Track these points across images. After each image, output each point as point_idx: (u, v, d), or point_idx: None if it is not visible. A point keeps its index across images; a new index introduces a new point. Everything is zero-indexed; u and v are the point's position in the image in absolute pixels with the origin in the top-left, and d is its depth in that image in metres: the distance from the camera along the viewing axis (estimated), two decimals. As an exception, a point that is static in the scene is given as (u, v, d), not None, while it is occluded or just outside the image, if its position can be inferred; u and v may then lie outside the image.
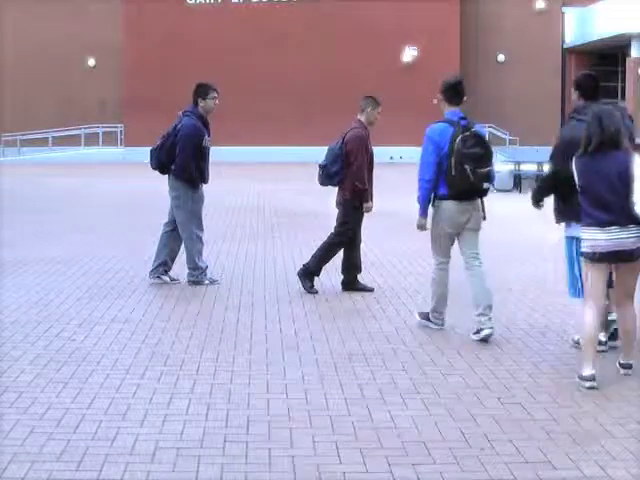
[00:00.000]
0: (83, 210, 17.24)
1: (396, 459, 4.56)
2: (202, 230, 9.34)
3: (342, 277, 9.05)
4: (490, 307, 7.03)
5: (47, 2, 37.92)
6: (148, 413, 5.26)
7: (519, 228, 12.56)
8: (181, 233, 9.25)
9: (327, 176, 8.84)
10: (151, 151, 9.34)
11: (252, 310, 8.10)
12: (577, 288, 6.56)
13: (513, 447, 4.73)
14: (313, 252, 9.12)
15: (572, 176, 6.05)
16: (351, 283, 8.98)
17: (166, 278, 9.29)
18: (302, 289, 8.90)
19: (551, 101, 37.30)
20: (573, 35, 36.89)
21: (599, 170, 5.85)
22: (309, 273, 8.96)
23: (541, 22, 37.93)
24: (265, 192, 20.56)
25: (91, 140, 37.51)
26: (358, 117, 8.88)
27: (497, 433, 4.94)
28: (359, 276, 9.08)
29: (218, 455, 4.62)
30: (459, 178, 6.98)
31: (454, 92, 7.25)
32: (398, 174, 22.82)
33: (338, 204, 8.95)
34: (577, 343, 6.62)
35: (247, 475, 4.38)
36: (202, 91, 9.22)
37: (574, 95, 6.86)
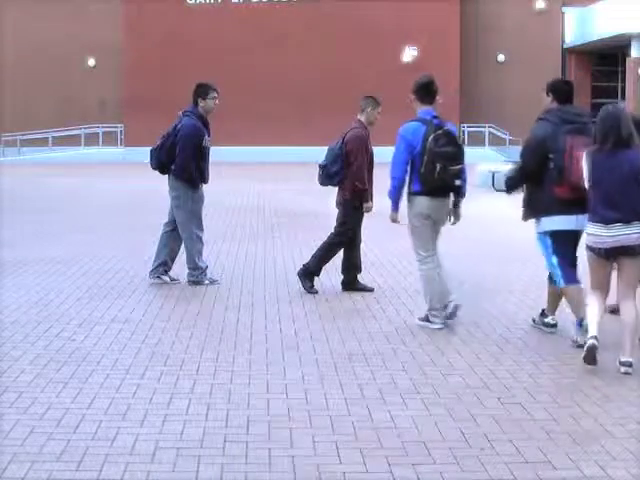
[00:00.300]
0: (83, 210, 17.25)
1: (396, 459, 4.56)
2: (202, 230, 9.34)
3: (342, 277, 9.05)
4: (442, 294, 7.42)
5: (47, 2, 37.94)
6: (148, 413, 5.26)
7: (519, 228, 12.51)
8: (181, 233, 9.25)
9: (327, 176, 8.85)
10: (151, 151, 9.33)
11: (252, 310, 8.10)
12: (558, 277, 6.95)
13: (513, 447, 4.73)
14: (313, 252, 9.12)
15: (539, 173, 6.74)
16: (351, 283, 8.98)
17: (166, 278, 9.29)
18: (302, 289, 8.90)
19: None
20: (573, 35, 36.92)
21: (613, 167, 6.06)
22: (309, 273, 8.96)
23: (541, 22, 37.95)
24: (265, 192, 20.56)
25: (91, 140, 37.54)
26: (358, 117, 8.88)
27: (497, 433, 4.93)
28: (359, 276, 9.08)
29: (218, 455, 4.62)
30: (431, 175, 7.24)
31: (426, 92, 7.57)
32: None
33: (338, 204, 8.96)
34: (575, 342, 6.73)
35: (247, 475, 4.38)
36: (202, 91, 9.22)
37: (547, 99, 7.14)
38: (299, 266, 9.24)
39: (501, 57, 38.76)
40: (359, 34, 36.63)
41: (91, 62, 38.74)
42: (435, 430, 4.98)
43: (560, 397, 5.58)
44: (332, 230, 9.04)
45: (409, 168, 7.41)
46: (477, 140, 35.96)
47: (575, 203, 6.69)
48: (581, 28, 35.93)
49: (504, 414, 5.26)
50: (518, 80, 37.42)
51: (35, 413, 5.24)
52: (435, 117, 7.45)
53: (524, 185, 7.14)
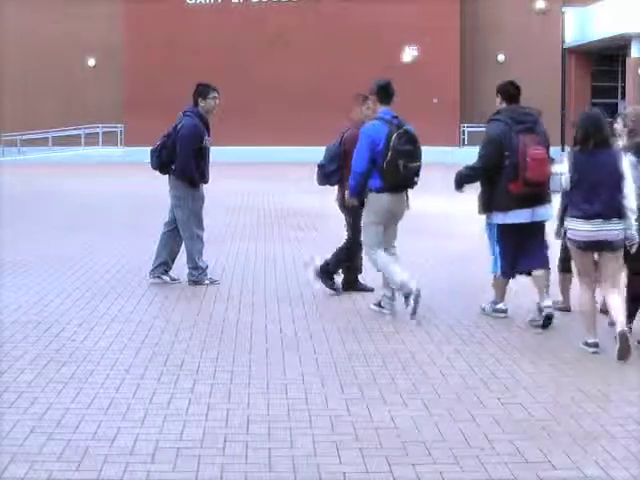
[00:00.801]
0: (83, 210, 17.24)
1: (396, 459, 4.56)
2: (202, 230, 9.34)
3: (343, 277, 9.04)
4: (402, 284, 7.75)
5: (47, 2, 37.94)
6: (148, 413, 5.26)
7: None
8: (181, 233, 9.25)
9: (324, 175, 8.84)
10: (151, 151, 9.33)
11: (252, 310, 8.11)
12: (496, 265, 7.71)
13: (513, 447, 4.73)
14: (333, 252, 8.91)
15: (496, 171, 7.37)
16: (352, 283, 8.98)
17: (166, 278, 9.29)
18: (303, 288, 8.90)
19: (551, 101, 37.29)
20: (573, 35, 36.90)
21: (594, 166, 6.50)
22: (328, 272, 8.88)
23: (541, 22, 37.93)
24: (265, 192, 20.55)
25: (91, 140, 37.53)
26: (351, 115, 8.87)
27: (497, 433, 4.94)
28: (360, 276, 9.08)
29: (218, 455, 4.62)
30: (394, 172, 7.67)
31: (385, 93, 7.92)
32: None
33: (341, 206, 8.88)
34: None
35: (247, 475, 4.38)
36: (202, 91, 9.23)
37: (497, 100, 7.73)
38: (299, 266, 9.24)
39: (501, 57, 38.73)
40: (359, 34, 36.61)
41: (91, 62, 38.73)
42: (435, 430, 4.98)
43: (560, 397, 5.58)
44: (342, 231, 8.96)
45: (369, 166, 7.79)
46: (477, 140, 35.72)
47: (528, 198, 7.36)
48: (581, 28, 35.92)
49: (504, 414, 5.26)
50: (518, 80, 37.17)
51: (35, 413, 5.24)
52: (395, 117, 7.87)
53: (481, 187, 7.71)
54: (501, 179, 7.40)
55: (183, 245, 9.33)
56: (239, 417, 5.18)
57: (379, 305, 8.02)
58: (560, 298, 7.99)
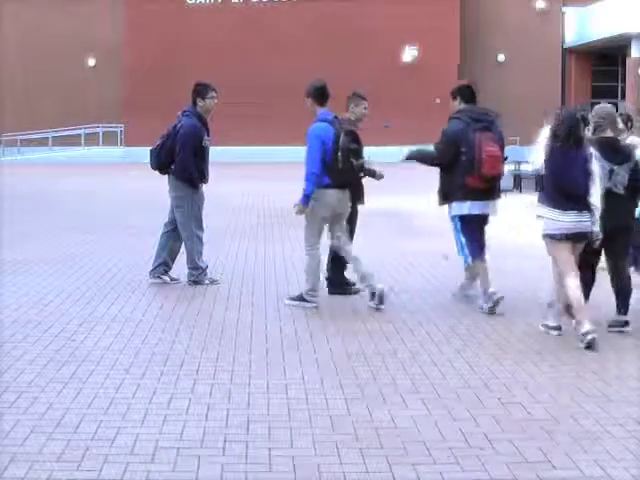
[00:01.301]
0: (83, 210, 17.24)
1: (396, 459, 4.56)
2: (202, 230, 9.34)
3: (327, 275, 8.80)
4: (365, 275, 8.14)
5: (47, 2, 37.95)
6: (148, 413, 5.25)
7: (520, 227, 12.57)
8: (181, 233, 9.25)
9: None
10: (151, 151, 9.34)
11: (252, 310, 8.10)
12: (465, 255, 8.13)
13: (513, 447, 4.72)
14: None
15: (451, 164, 7.91)
16: (338, 285, 8.79)
17: (166, 278, 9.29)
18: (302, 288, 8.90)
19: (551, 101, 37.27)
20: (573, 35, 36.91)
21: (571, 162, 6.87)
22: (335, 282, 8.82)
23: (541, 22, 37.97)
24: (265, 192, 20.55)
25: (91, 140, 37.55)
26: (347, 115, 8.83)
27: (497, 433, 4.93)
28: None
29: (218, 455, 4.62)
30: (344, 170, 8.05)
31: (321, 94, 8.38)
32: (399, 174, 22.77)
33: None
34: (482, 309, 7.88)
35: (247, 475, 4.38)
36: (201, 91, 9.22)
37: (455, 102, 8.34)
38: (299, 266, 9.22)
39: (501, 57, 38.77)
40: (359, 34, 36.64)
41: (91, 62, 38.75)
42: (435, 430, 4.98)
43: (560, 397, 5.58)
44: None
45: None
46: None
47: (484, 191, 7.95)
48: (581, 28, 35.93)
49: (504, 414, 5.26)
50: (518, 80, 37.44)
51: (35, 413, 5.24)
52: (335, 117, 8.28)
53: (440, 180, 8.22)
54: (458, 173, 7.92)
55: (183, 245, 9.33)
56: (239, 417, 5.18)
57: (301, 299, 8.25)
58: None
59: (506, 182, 21.24)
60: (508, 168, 22.57)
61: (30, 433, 4.90)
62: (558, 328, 7.10)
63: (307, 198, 8.12)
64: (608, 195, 7.04)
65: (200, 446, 4.74)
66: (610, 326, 7.22)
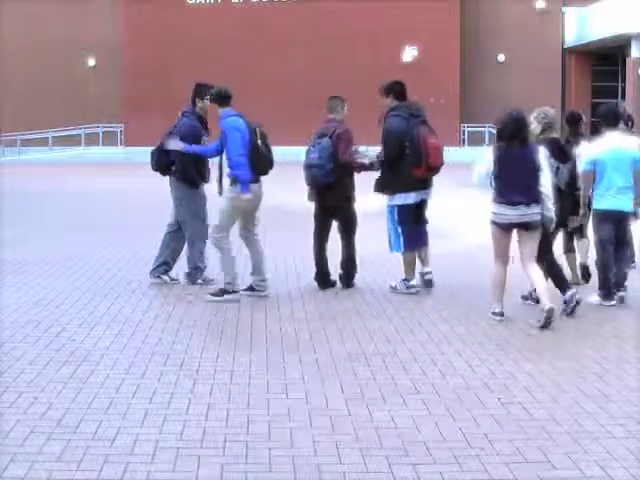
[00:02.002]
0: (83, 210, 17.24)
1: (396, 459, 4.56)
2: (205, 230, 9.31)
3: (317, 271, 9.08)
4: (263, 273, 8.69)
5: (47, 2, 37.94)
6: (148, 413, 5.26)
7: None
8: (184, 232, 9.25)
9: (325, 174, 8.87)
10: (151, 152, 9.34)
11: (252, 310, 8.10)
12: (399, 244, 8.72)
13: (513, 447, 4.73)
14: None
15: (397, 158, 8.48)
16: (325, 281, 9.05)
17: (166, 278, 9.28)
18: (302, 288, 8.90)
19: (551, 101, 37.16)
20: (573, 35, 36.92)
21: (518, 160, 7.53)
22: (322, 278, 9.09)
23: (541, 22, 37.95)
24: (265, 192, 20.53)
25: (91, 140, 37.54)
26: (332, 116, 9.04)
27: (497, 433, 4.93)
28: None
29: (218, 455, 4.62)
30: (263, 163, 8.65)
31: (222, 98, 8.65)
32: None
33: (344, 201, 9.01)
34: (394, 289, 8.78)
35: (247, 475, 4.38)
36: (200, 91, 9.22)
37: (388, 99, 8.77)
38: (299, 266, 9.22)
39: (501, 57, 38.75)
40: (359, 34, 36.63)
41: (91, 62, 38.75)
42: (435, 430, 4.98)
43: (560, 397, 5.58)
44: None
45: None
46: (477, 140, 35.97)
47: (424, 181, 8.70)
48: (581, 28, 35.93)
49: (504, 414, 5.26)
50: (518, 80, 37.41)
51: (35, 413, 5.24)
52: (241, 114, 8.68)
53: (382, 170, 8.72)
54: (404, 166, 8.51)
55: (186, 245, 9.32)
56: (239, 417, 5.18)
57: (251, 289, 8.63)
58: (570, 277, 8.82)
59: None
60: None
61: (30, 433, 4.90)
62: (501, 314, 7.68)
63: (248, 186, 8.48)
64: (555, 191, 7.81)
65: (200, 446, 4.74)
66: (565, 302, 7.81)
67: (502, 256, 7.75)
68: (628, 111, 10.02)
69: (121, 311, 8.02)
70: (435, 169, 8.70)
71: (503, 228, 7.64)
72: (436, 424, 5.07)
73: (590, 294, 8.35)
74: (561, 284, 7.98)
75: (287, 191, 21.24)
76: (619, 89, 37.68)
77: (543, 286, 7.56)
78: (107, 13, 37.78)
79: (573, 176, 8.22)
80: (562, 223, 8.21)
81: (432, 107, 36.53)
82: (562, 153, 8.15)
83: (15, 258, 10.90)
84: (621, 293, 8.32)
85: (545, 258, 7.91)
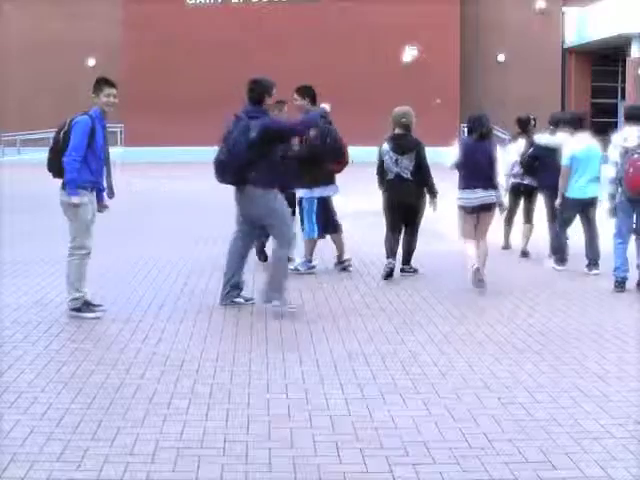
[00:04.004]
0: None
1: (396, 459, 4.56)
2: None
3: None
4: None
5: (47, 2, 37.95)
6: (148, 413, 5.25)
7: (519, 227, 12.55)
8: (279, 242, 8.16)
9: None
10: (219, 164, 8.09)
11: (252, 310, 8.10)
12: (314, 230, 9.79)
13: (513, 447, 4.72)
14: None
15: (321, 154, 9.44)
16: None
17: (240, 300, 8.28)
18: (302, 288, 8.91)
19: (551, 101, 37.28)
20: (573, 35, 36.92)
21: (476, 152, 8.91)
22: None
23: (541, 22, 37.96)
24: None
25: (91, 140, 37.49)
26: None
27: (497, 433, 4.93)
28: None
29: (218, 455, 4.62)
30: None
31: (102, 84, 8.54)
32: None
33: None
34: (297, 270, 9.67)
35: (247, 475, 4.38)
36: (270, 89, 8.19)
37: (305, 101, 9.60)
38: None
39: (501, 57, 38.75)
40: (359, 34, 36.64)
41: (91, 62, 38.75)
42: (435, 430, 4.98)
43: (560, 397, 5.58)
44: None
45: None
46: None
47: (334, 175, 9.82)
48: (581, 28, 35.93)
49: (504, 414, 5.26)
50: (518, 80, 37.43)
51: (35, 413, 5.24)
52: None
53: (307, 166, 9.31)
54: (326, 161, 9.54)
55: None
56: (239, 417, 5.18)
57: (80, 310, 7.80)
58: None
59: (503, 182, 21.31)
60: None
61: (30, 433, 4.90)
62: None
63: (75, 189, 8.22)
64: (397, 178, 9.48)
65: (200, 446, 4.74)
66: (401, 270, 9.78)
67: (468, 235, 9.08)
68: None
69: (121, 311, 8.01)
70: (345, 164, 9.86)
71: (467, 211, 9.02)
72: (436, 424, 5.07)
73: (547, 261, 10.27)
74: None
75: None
76: (619, 89, 37.71)
77: (470, 259, 8.93)
78: (107, 13, 37.77)
79: (418, 165, 9.53)
80: (401, 206, 9.67)
81: (432, 107, 36.30)
82: (399, 147, 9.50)
83: (15, 258, 10.90)
84: (596, 271, 9.79)
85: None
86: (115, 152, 37.12)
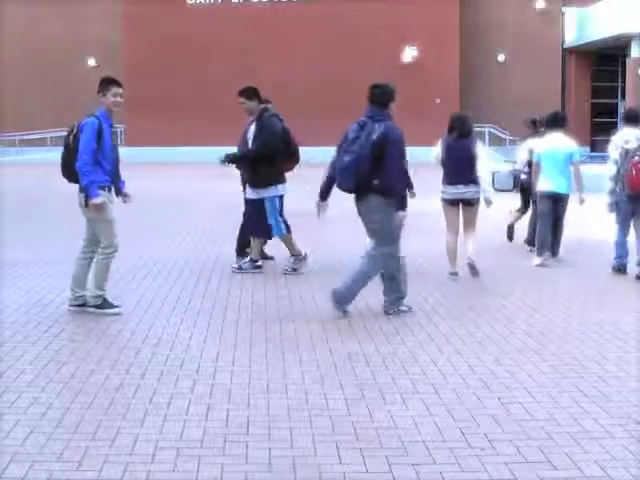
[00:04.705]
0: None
1: (396, 459, 4.56)
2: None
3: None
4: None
5: (47, 2, 37.94)
6: (148, 413, 5.25)
7: (519, 227, 12.56)
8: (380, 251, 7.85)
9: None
10: (345, 168, 7.56)
11: (252, 310, 8.10)
12: (282, 228, 10.04)
13: (513, 447, 4.72)
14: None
15: (274, 155, 9.73)
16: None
17: (404, 308, 8.04)
18: (301, 288, 8.90)
19: (551, 101, 37.27)
20: (573, 35, 36.91)
21: (457, 150, 9.44)
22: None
23: (541, 22, 37.96)
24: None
25: (91, 140, 37.49)
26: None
27: (497, 433, 4.93)
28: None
29: (218, 455, 4.62)
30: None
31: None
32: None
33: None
34: (289, 269, 9.97)
35: (247, 475, 4.38)
36: (393, 92, 7.78)
37: (253, 102, 9.94)
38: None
39: (501, 57, 38.75)
40: (359, 34, 36.63)
41: (91, 62, 38.74)
42: (435, 430, 4.98)
43: (560, 397, 5.58)
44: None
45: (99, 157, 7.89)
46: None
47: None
48: (581, 28, 35.93)
49: (504, 414, 5.26)
50: (518, 80, 37.43)
51: (35, 413, 5.24)
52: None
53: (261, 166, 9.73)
54: (277, 160, 9.80)
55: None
56: (239, 417, 5.18)
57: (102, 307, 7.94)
58: None
59: (506, 182, 21.30)
60: (508, 168, 22.60)
61: (30, 433, 4.90)
62: (455, 274, 9.61)
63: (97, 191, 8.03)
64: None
65: (200, 446, 4.74)
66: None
67: (452, 226, 9.73)
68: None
69: (121, 311, 8.01)
70: (297, 163, 10.30)
71: (448, 203, 9.66)
72: (436, 424, 5.07)
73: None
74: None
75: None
76: (619, 89, 37.70)
77: (451, 252, 9.74)
78: (107, 13, 37.77)
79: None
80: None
81: (432, 107, 36.35)
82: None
83: (15, 258, 10.90)
84: (539, 260, 10.52)
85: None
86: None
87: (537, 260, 10.48)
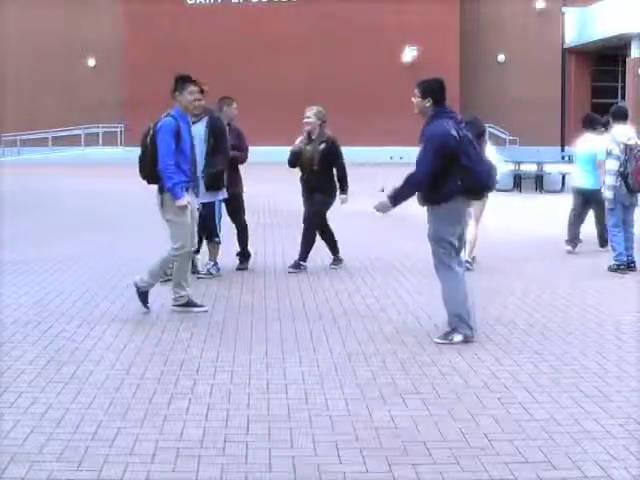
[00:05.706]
0: (83, 210, 17.24)
1: (396, 459, 4.56)
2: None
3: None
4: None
5: (47, 2, 37.95)
6: (148, 413, 5.25)
7: (519, 227, 12.60)
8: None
9: None
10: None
11: (252, 310, 8.10)
12: (221, 231, 10.09)
13: (513, 447, 4.72)
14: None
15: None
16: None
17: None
18: (301, 288, 8.90)
19: (551, 101, 37.32)
20: (573, 35, 36.91)
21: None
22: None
23: (541, 22, 37.94)
24: (264, 193, 20.55)
25: (91, 140, 37.53)
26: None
27: (497, 433, 4.93)
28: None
29: (218, 455, 4.62)
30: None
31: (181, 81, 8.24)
32: (398, 174, 22.76)
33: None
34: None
35: (247, 475, 4.38)
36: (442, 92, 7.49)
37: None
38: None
39: (501, 57, 38.74)
40: (359, 34, 36.63)
41: (91, 62, 38.74)
42: (435, 430, 4.98)
43: (560, 397, 5.58)
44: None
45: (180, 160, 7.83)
46: (476, 140, 35.96)
47: None
48: (581, 28, 35.92)
49: (504, 414, 5.26)
50: (518, 80, 37.42)
51: (35, 413, 5.24)
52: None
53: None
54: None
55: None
56: (239, 417, 5.18)
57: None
58: None
59: (506, 182, 21.35)
60: (508, 168, 22.63)
61: (30, 433, 4.90)
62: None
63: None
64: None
65: (200, 446, 4.74)
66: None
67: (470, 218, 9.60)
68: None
69: (121, 311, 8.02)
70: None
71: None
72: (436, 424, 5.07)
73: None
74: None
75: (286, 192, 21.17)
76: (619, 89, 37.69)
77: (470, 242, 9.73)
78: (107, 13, 37.77)
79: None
80: None
81: (432, 107, 35.57)
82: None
83: (15, 258, 10.90)
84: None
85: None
86: (115, 152, 37.19)
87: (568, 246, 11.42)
